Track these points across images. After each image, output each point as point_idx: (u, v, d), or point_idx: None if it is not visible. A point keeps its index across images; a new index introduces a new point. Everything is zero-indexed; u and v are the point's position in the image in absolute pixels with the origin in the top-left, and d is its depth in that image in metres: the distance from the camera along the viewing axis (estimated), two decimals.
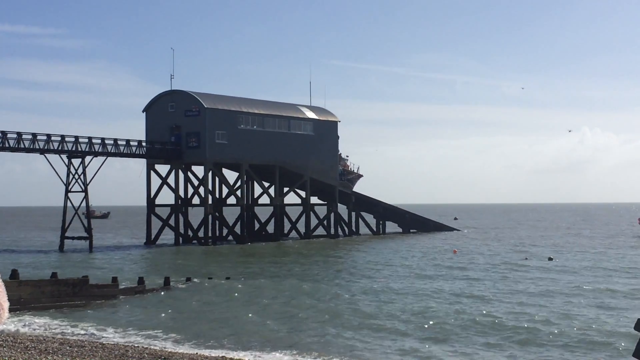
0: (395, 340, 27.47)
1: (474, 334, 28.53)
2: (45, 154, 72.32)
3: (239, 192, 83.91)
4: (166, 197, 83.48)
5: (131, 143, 77.61)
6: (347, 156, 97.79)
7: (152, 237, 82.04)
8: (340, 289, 42.30)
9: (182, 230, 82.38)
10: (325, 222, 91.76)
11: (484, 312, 33.26)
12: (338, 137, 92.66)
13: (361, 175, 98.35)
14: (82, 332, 29.50)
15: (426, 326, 30.23)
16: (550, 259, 61.99)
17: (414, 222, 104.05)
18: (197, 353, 24.77)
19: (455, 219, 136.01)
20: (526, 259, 62.53)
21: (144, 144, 79.25)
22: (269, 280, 46.97)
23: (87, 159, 74.07)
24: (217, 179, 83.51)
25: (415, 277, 48.86)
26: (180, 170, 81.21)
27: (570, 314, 32.65)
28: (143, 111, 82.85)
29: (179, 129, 79.72)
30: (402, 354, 25.24)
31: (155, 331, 29.60)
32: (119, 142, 76.36)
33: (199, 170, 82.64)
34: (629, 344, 24.79)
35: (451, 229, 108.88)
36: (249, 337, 28.18)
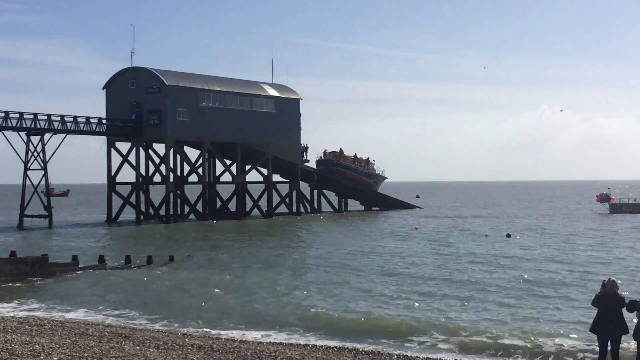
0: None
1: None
2: (3, 132, 71.39)
3: (200, 170, 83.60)
4: (127, 175, 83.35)
5: (91, 120, 76.90)
6: (374, 160, 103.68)
7: (113, 215, 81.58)
8: (296, 262, 42.45)
9: (143, 209, 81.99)
10: (287, 200, 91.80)
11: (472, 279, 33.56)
12: (300, 115, 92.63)
13: (385, 178, 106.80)
14: (42, 311, 29.28)
15: (391, 286, 30.43)
16: (508, 235, 62.75)
17: (376, 200, 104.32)
18: (158, 330, 24.71)
19: (417, 196, 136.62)
20: (486, 235, 63.16)
21: (104, 121, 78.58)
22: (229, 257, 46.91)
23: (46, 136, 73.32)
24: (178, 156, 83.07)
25: (377, 254, 49.10)
26: (141, 148, 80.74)
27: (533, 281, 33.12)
28: (103, 88, 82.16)
29: (139, 106, 79.11)
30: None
31: (117, 309, 29.47)
32: (79, 120, 75.61)
33: (160, 148, 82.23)
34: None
35: (413, 207, 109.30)
36: (210, 314, 28.15)
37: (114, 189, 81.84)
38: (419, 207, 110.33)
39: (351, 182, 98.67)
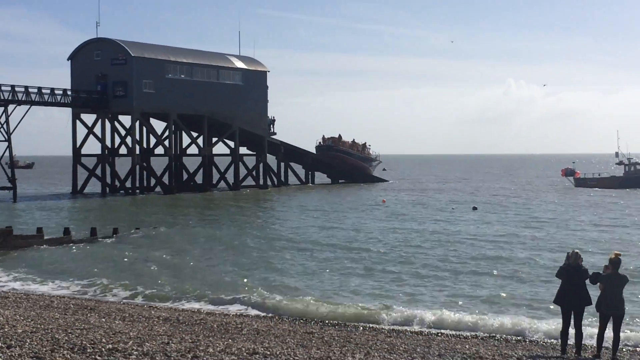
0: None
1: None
2: None
3: (166, 142, 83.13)
4: (92, 147, 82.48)
5: (56, 92, 75.99)
6: (370, 145, 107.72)
7: (78, 187, 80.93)
8: (262, 234, 42.51)
9: (109, 181, 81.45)
10: (254, 173, 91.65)
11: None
12: (267, 87, 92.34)
13: (380, 162, 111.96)
14: (6, 283, 29.06)
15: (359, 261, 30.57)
16: (474, 208, 63.27)
17: (343, 173, 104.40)
18: (124, 302, 24.67)
19: (384, 169, 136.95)
20: (453, 208, 63.58)
21: (69, 92, 77.70)
22: (197, 228, 46.85)
23: (10, 107, 72.33)
24: (144, 128, 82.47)
25: (347, 229, 49.26)
26: (106, 120, 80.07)
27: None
28: (68, 59, 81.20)
29: (105, 77, 78.37)
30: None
31: (82, 281, 29.33)
32: (43, 91, 74.69)
33: (126, 119, 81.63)
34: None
35: (381, 180, 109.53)
36: (176, 286, 28.12)
37: (79, 161, 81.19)
38: (386, 180, 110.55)
39: (349, 166, 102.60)
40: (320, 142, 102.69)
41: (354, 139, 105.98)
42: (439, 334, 20.13)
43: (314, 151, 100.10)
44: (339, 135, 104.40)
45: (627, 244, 39.11)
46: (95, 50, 79.28)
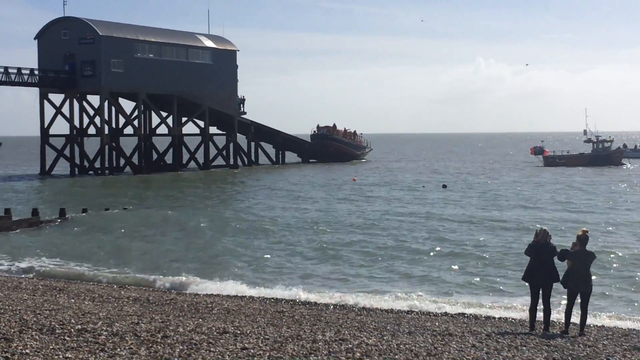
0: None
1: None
2: None
3: (136, 122, 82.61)
4: (61, 127, 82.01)
5: (23, 71, 75.23)
6: (361, 133, 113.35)
7: (47, 167, 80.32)
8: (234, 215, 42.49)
9: (77, 161, 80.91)
10: (224, 152, 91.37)
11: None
12: (237, 67, 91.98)
13: (371, 149, 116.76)
14: None
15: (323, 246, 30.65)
16: (444, 186, 63.59)
17: (314, 152, 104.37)
18: (93, 283, 24.55)
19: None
20: (423, 187, 63.85)
21: (36, 72, 76.91)
22: (165, 209, 46.68)
23: None
24: (113, 108, 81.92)
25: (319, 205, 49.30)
26: (75, 100, 79.37)
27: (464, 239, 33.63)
28: (35, 39, 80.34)
29: (73, 57, 77.64)
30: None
31: (50, 263, 29.15)
32: (10, 71, 73.90)
33: (94, 99, 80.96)
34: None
35: (350, 159, 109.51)
36: (145, 266, 28.08)
37: (47, 142, 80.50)
38: (356, 159, 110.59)
39: (343, 154, 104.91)
40: (314, 131, 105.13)
41: (345, 128, 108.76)
42: (409, 312, 20.24)
43: (285, 131, 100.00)
44: (334, 124, 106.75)
45: (593, 224, 39.48)
46: (63, 30, 78.48)
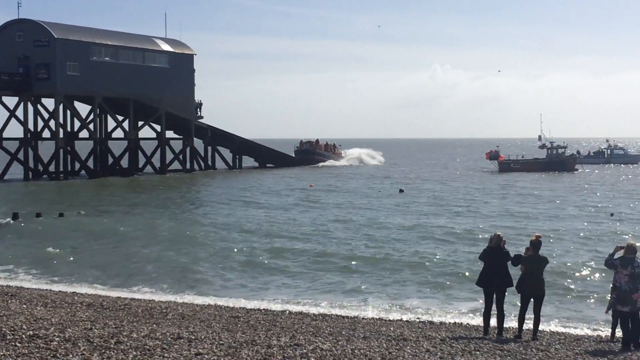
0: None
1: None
2: None
3: (91, 126, 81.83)
4: (14, 130, 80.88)
5: None
6: (340, 145, 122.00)
7: (0, 172, 79.23)
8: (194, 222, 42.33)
9: (32, 165, 79.93)
10: (181, 157, 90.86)
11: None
12: (194, 71, 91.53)
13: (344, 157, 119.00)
14: None
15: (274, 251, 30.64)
16: (401, 190, 63.90)
17: (271, 157, 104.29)
18: (46, 288, 24.28)
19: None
20: (379, 191, 64.09)
21: None
22: (120, 214, 46.34)
23: None
24: (68, 112, 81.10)
25: (276, 211, 49.25)
26: (29, 103, 78.40)
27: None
28: None
29: (27, 59, 76.67)
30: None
31: (3, 267, 28.79)
32: None
33: (49, 102, 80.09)
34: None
35: (307, 164, 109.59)
36: (100, 273, 27.86)
37: (0, 145, 79.41)
38: (313, 164, 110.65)
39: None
40: (297, 147, 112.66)
41: (327, 142, 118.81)
42: (364, 318, 20.31)
43: (242, 136, 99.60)
44: (317, 139, 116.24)
45: (545, 230, 39.93)
46: (17, 32, 77.45)
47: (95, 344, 12.73)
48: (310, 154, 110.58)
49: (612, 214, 44.77)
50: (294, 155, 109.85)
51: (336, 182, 77.35)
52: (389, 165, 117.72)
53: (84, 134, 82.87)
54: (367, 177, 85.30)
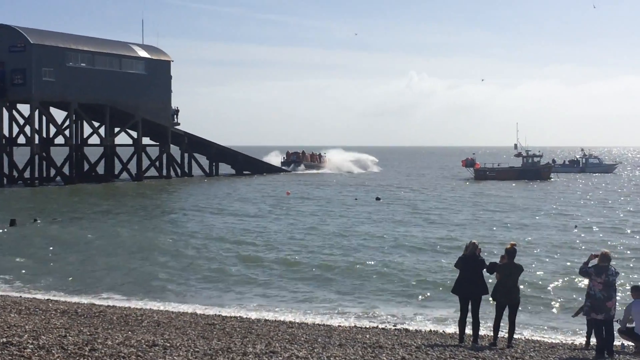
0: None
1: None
2: None
3: (67, 132, 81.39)
4: None
5: None
6: (325, 153, 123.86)
7: None
8: (167, 230, 42.20)
9: (6, 171, 79.40)
10: (157, 163, 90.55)
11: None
12: (171, 77, 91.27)
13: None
14: None
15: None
16: (377, 198, 64.00)
17: (247, 164, 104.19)
18: (20, 296, 24.12)
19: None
20: (356, 199, 64.15)
21: None
22: (92, 222, 46.10)
23: None
24: (44, 117, 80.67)
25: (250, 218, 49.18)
26: (4, 109, 77.91)
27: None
28: None
29: (2, 65, 76.15)
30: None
31: None
32: None
33: (24, 108, 79.59)
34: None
35: (284, 171, 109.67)
36: (75, 280, 27.73)
37: None
38: (289, 171, 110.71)
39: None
40: (284, 158, 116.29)
41: (312, 152, 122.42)
42: (340, 325, 20.32)
43: (220, 143, 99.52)
44: (302, 151, 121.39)
45: (519, 239, 40.13)
46: None
47: (69, 352, 12.66)
48: (297, 164, 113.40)
49: (575, 226, 44.78)
50: (280, 166, 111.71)
51: (313, 190, 77.34)
52: (367, 172, 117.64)
53: (60, 140, 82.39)
54: (344, 185, 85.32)
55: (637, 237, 40.16)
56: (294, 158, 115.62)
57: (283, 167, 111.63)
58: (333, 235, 40.53)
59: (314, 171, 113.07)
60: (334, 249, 35.23)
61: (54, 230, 41.68)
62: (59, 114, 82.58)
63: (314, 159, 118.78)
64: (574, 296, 24.35)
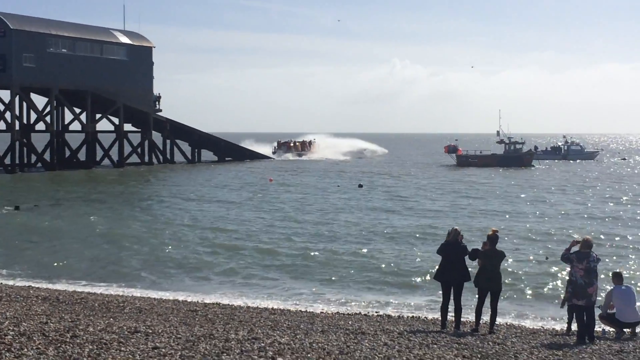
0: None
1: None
2: None
3: (48, 118, 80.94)
4: None
5: None
6: (314, 139, 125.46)
7: None
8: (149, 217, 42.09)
9: None
10: (139, 150, 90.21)
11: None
12: (153, 63, 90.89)
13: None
14: None
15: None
16: (360, 185, 64.04)
17: (230, 151, 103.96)
18: (2, 283, 23.99)
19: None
20: (338, 186, 64.18)
21: None
22: (77, 208, 45.90)
23: None
24: (24, 104, 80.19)
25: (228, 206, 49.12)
26: None
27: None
28: None
29: None
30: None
31: None
32: None
33: (4, 94, 79.09)
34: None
35: (267, 158, 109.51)
36: (57, 266, 27.61)
37: None
38: (271, 158, 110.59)
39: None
40: (275, 147, 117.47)
41: (303, 140, 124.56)
42: (322, 312, 20.32)
43: (202, 130, 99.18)
44: (292, 140, 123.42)
45: (499, 226, 40.27)
46: None
47: (50, 338, 12.59)
48: (287, 152, 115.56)
49: (561, 214, 45.09)
50: (271, 156, 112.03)
51: (296, 177, 77.26)
52: (351, 158, 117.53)
53: (41, 126, 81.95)
54: (327, 172, 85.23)
55: (618, 224, 40.39)
56: (285, 148, 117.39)
57: (269, 155, 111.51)
58: (313, 223, 40.51)
59: (305, 158, 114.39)
60: (314, 237, 35.23)
61: (34, 217, 41.47)
62: (39, 100, 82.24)
63: (304, 147, 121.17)
64: (556, 283, 24.46)
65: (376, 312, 20.55)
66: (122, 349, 12.17)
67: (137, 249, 31.64)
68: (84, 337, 12.85)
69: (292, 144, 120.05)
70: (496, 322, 17.15)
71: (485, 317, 17.19)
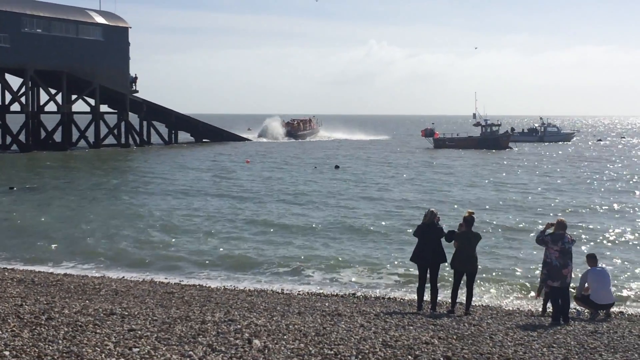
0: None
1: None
2: None
3: (23, 99, 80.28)
4: None
5: None
6: (314, 116, 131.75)
7: None
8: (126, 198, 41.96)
9: None
10: (115, 131, 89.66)
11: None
12: (129, 44, 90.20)
13: (321, 125, 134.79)
14: None
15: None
16: (336, 167, 64.11)
17: (207, 132, 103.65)
18: None
19: (249, 129, 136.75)
20: (315, 167, 64.18)
21: None
22: (51, 191, 45.64)
23: None
24: None
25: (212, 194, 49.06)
26: None
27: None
28: None
29: None
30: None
31: None
32: None
33: None
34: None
35: (244, 139, 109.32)
36: (34, 248, 27.47)
37: None
38: (249, 140, 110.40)
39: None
40: (285, 130, 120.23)
41: (303, 119, 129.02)
42: (299, 293, 20.36)
43: (179, 111, 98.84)
44: (294, 120, 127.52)
45: (477, 207, 40.47)
46: None
47: (25, 320, 12.54)
48: (293, 136, 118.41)
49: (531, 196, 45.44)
50: (249, 138, 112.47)
51: (272, 158, 77.17)
52: (327, 140, 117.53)
53: (16, 107, 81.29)
54: (306, 152, 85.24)
55: (593, 208, 40.67)
56: (289, 128, 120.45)
57: (248, 137, 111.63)
58: (284, 202, 40.64)
59: (309, 139, 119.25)
60: (287, 216, 35.26)
61: (6, 199, 41.19)
62: (14, 81, 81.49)
63: (305, 125, 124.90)
64: (531, 267, 24.58)
65: (353, 293, 20.60)
66: (98, 331, 12.14)
67: (114, 232, 31.51)
68: (60, 320, 12.81)
69: (295, 124, 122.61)
70: (472, 304, 17.25)
71: (461, 299, 17.29)
